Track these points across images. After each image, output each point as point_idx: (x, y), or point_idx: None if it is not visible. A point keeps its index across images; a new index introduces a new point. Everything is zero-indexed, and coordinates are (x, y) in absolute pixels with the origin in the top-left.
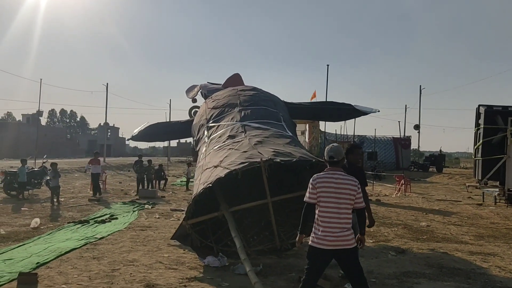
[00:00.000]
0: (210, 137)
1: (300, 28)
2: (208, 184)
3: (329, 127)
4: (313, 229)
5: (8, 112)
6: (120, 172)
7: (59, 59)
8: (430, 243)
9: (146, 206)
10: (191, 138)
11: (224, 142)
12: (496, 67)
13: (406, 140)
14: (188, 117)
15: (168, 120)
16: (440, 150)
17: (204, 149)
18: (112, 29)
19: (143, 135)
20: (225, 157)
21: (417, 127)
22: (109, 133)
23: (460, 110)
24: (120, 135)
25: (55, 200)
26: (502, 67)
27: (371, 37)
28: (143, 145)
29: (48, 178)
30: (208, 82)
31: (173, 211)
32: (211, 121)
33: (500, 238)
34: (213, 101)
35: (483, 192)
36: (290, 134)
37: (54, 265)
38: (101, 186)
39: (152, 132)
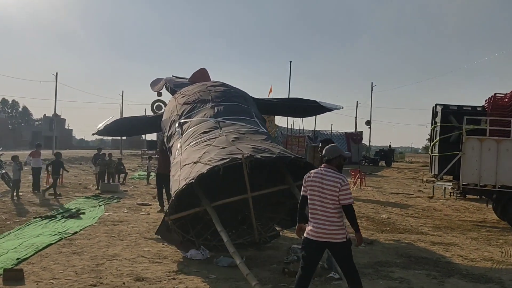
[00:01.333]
0: (184, 133)
1: (256, 15)
2: (190, 180)
3: (283, 122)
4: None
5: None
6: (72, 165)
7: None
8: (394, 234)
9: (112, 200)
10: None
11: (199, 138)
12: (444, 67)
13: (358, 136)
14: (150, 111)
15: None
16: (390, 145)
17: (178, 145)
18: (63, 15)
19: (108, 130)
20: (204, 153)
21: (368, 122)
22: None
23: (406, 108)
24: (66, 127)
25: (14, 194)
26: (449, 68)
27: (322, 32)
28: (90, 137)
29: (4, 171)
30: (173, 76)
31: (141, 205)
32: (183, 117)
33: (455, 229)
34: (183, 97)
35: (433, 186)
36: (265, 130)
37: (35, 261)
38: (58, 180)
39: (118, 127)
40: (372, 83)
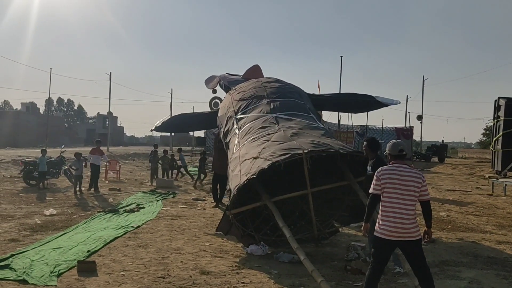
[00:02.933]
0: (241, 129)
1: (298, 14)
2: (252, 175)
3: (333, 117)
4: (377, 219)
5: (5, 100)
6: (125, 161)
7: (56, 48)
8: (456, 233)
9: (168, 195)
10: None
11: (258, 134)
12: (499, 59)
13: (409, 131)
14: (208, 109)
15: (189, 111)
16: (442, 141)
17: (236, 140)
18: (110, 18)
19: (166, 126)
20: (263, 148)
21: (420, 117)
22: (107, 122)
23: (460, 102)
24: (118, 124)
25: (77, 189)
26: (505, 59)
27: (369, 24)
28: (139, 133)
29: (66, 167)
30: (226, 73)
31: (196, 201)
32: (239, 113)
33: None
34: (238, 93)
35: (493, 183)
36: (322, 126)
37: (105, 253)
38: (115, 176)
39: (175, 123)
40: (423, 76)
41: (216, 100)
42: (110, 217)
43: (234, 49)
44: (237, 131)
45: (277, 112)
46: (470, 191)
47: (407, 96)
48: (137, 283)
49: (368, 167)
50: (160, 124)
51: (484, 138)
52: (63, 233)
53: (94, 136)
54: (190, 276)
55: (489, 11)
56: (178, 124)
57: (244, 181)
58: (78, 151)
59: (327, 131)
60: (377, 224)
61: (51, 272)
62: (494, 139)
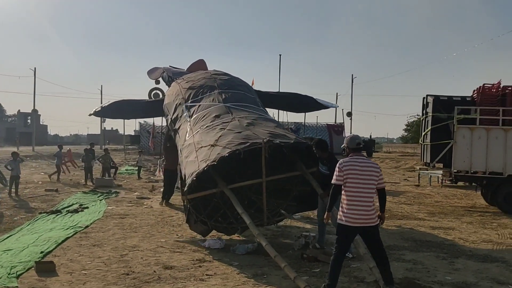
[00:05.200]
0: (193, 116)
1: (223, 16)
2: (212, 162)
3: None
4: (340, 208)
5: None
6: (53, 161)
7: None
8: (394, 221)
9: (111, 195)
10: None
11: (212, 122)
12: (421, 59)
13: (340, 127)
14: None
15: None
16: (370, 136)
17: (188, 127)
18: (35, 12)
19: (106, 111)
20: (220, 136)
21: (349, 114)
22: (29, 121)
23: (387, 97)
24: (41, 123)
25: (13, 189)
26: (426, 60)
27: (300, 27)
28: (64, 132)
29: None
30: (170, 66)
31: (141, 199)
32: (189, 101)
33: (449, 214)
34: (186, 82)
35: (419, 174)
36: (274, 118)
37: (59, 254)
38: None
39: (116, 109)
40: (352, 75)
41: (157, 91)
42: (54, 218)
43: (169, 41)
44: (188, 118)
45: (229, 103)
46: (399, 183)
47: (336, 93)
48: (101, 280)
49: (321, 166)
50: (99, 109)
51: (406, 133)
52: (8, 235)
53: (14, 135)
54: (154, 271)
55: (412, 14)
56: (119, 110)
57: (204, 167)
58: (15, 151)
59: (279, 123)
60: (340, 213)
61: (8, 274)
62: (423, 133)
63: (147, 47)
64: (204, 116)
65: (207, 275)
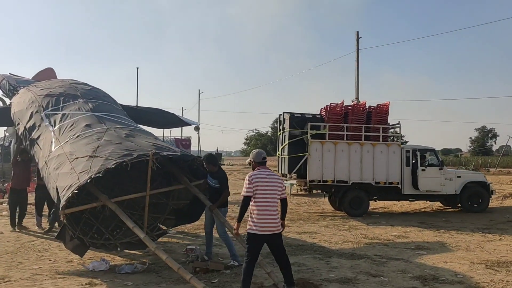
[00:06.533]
0: (57, 125)
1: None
2: (96, 174)
3: None
4: (250, 218)
5: None
6: None
7: None
8: None
9: None
10: None
11: (83, 131)
12: (267, 78)
13: (187, 141)
14: None
15: None
16: (217, 150)
17: (52, 137)
18: None
19: None
20: (98, 147)
21: (197, 128)
22: None
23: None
24: None
25: None
26: (273, 78)
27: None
28: None
29: None
30: (10, 73)
31: None
32: (49, 109)
33: (306, 220)
34: (41, 89)
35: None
36: (148, 131)
37: None
38: None
39: None
40: (199, 90)
41: None
42: None
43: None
44: (50, 127)
45: (97, 112)
46: None
47: (182, 107)
48: None
49: (210, 179)
50: None
51: (245, 147)
52: None
53: None
54: None
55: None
56: None
57: (87, 179)
58: None
59: (156, 136)
60: (251, 223)
61: None
62: (280, 147)
63: None
64: (71, 125)
65: None
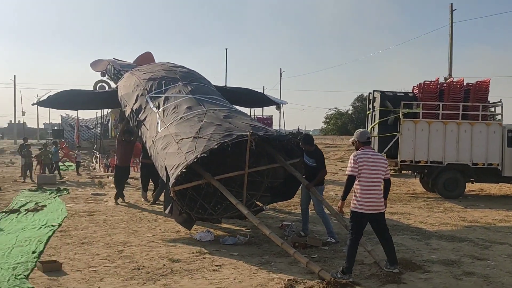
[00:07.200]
0: (161, 107)
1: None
2: (202, 154)
3: None
4: (354, 197)
5: None
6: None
7: None
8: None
9: (62, 192)
10: None
11: (185, 113)
12: (348, 56)
13: (269, 120)
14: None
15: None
16: (298, 128)
17: (157, 119)
18: None
19: (52, 101)
20: (200, 128)
21: (278, 107)
22: None
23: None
24: None
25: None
26: (354, 56)
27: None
28: None
29: None
30: (114, 58)
31: (97, 195)
32: (153, 92)
33: (397, 201)
34: (144, 73)
35: None
36: (243, 112)
37: (53, 253)
38: None
39: (63, 99)
40: (280, 69)
41: (102, 84)
42: (17, 217)
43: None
44: (155, 109)
45: (196, 94)
46: (337, 173)
47: (263, 87)
48: (117, 276)
49: (307, 159)
50: (45, 98)
51: (325, 126)
52: None
53: None
54: (164, 265)
55: (326, 11)
56: (67, 100)
57: (194, 159)
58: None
59: (251, 117)
60: (354, 201)
61: (14, 276)
62: (370, 126)
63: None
64: (174, 107)
65: (216, 265)
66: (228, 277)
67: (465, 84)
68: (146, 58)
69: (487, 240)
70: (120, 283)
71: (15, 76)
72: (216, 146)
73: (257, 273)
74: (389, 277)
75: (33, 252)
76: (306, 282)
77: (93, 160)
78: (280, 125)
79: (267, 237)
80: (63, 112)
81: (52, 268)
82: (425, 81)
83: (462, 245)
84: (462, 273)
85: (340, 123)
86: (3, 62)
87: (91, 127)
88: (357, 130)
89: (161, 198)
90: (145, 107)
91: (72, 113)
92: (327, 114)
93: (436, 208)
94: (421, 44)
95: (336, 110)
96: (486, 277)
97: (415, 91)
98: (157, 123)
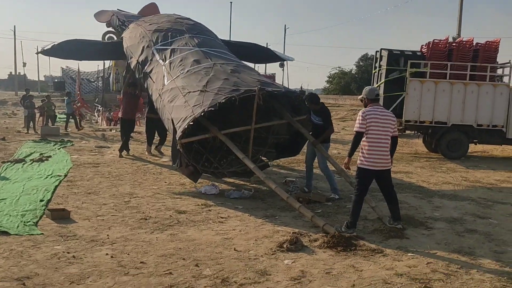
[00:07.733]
0: (167, 60)
1: None
2: (210, 108)
3: None
4: (361, 154)
5: None
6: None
7: None
8: (352, 167)
9: (66, 143)
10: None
11: (192, 66)
12: (356, 13)
13: (271, 77)
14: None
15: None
16: (301, 87)
17: (164, 71)
18: None
19: (57, 50)
20: (207, 82)
21: (281, 65)
22: None
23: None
24: None
25: None
26: (360, 13)
27: None
28: None
29: None
30: (118, 9)
31: (101, 148)
32: (159, 44)
33: (400, 160)
34: (150, 24)
35: None
36: (250, 67)
37: (60, 201)
38: None
39: (68, 48)
40: (285, 25)
41: (111, 35)
42: (22, 167)
43: None
44: (161, 61)
45: (203, 47)
46: (339, 132)
47: (266, 43)
48: (125, 225)
49: (313, 117)
50: (49, 47)
51: (328, 85)
52: None
53: None
54: (171, 216)
55: None
56: (72, 50)
57: (201, 113)
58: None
59: (259, 72)
60: (362, 158)
61: (24, 223)
62: (376, 85)
63: None
64: (181, 60)
65: (221, 217)
66: (234, 229)
67: (474, 44)
68: (151, 9)
69: (489, 200)
70: (128, 231)
71: (15, 26)
72: (223, 100)
73: (262, 226)
74: (392, 232)
75: (41, 201)
76: (310, 235)
77: (95, 114)
78: (283, 83)
79: (271, 192)
80: (64, 65)
81: (61, 216)
82: (434, 39)
83: (464, 203)
84: (464, 230)
85: (343, 83)
86: (3, 12)
87: (92, 80)
88: (366, 87)
89: (165, 152)
90: (151, 59)
91: (73, 66)
92: (330, 74)
93: (438, 168)
94: (430, 2)
95: (340, 69)
96: (487, 234)
97: (423, 50)
98: (164, 76)
